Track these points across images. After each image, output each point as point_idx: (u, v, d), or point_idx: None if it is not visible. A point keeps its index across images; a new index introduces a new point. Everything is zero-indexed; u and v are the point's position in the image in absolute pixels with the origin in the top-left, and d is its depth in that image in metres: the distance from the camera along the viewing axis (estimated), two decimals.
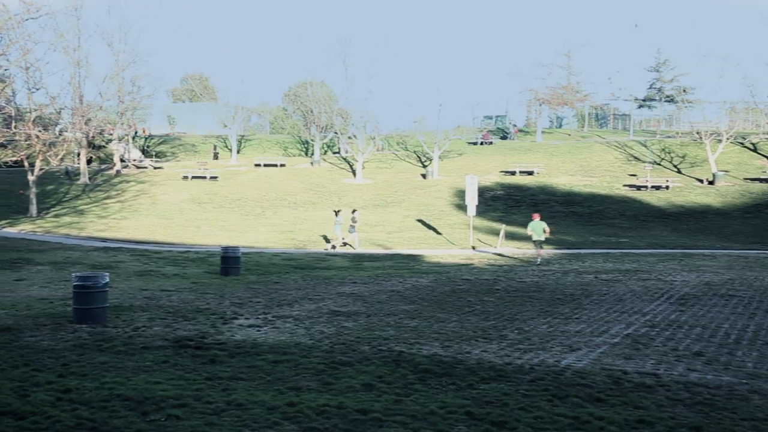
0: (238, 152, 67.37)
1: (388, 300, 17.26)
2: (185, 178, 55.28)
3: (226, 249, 23.80)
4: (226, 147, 69.92)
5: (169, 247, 31.86)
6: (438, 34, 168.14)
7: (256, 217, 44.61)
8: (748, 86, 67.59)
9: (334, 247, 32.86)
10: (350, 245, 33.30)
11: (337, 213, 34.38)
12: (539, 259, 27.57)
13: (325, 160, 62.72)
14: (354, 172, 56.69)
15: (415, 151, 62.47)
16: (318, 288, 19.66)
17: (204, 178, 55.21)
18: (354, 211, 34.96)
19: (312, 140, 64.94)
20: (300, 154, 70.34)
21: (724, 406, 8.60)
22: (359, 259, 28.76)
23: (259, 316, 14.79)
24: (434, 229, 39.83)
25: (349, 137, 61.48)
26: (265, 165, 60.43)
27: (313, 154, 63.69)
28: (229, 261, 23.36)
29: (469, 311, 15.56)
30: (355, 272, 24.04)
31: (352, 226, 33.48)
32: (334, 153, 67.51)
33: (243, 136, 74.57)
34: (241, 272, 23.33)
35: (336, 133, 63.55)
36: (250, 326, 13.68)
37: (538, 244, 28.01)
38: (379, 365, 10.48)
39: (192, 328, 13.39)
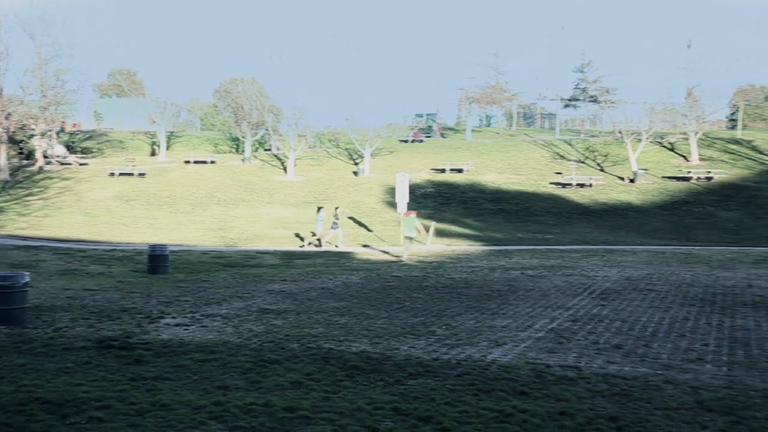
0: (167, 149, 66.28)
1: (318, 297, 17.29)
2: (112, 174, 54.10)
3: (153, 247, 23.44)
4: (155, 143, 68.75)
5: (95, 246, 31.18)
6: (371, 31, 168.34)
7: (185, 214, 43.99)
8: (666, 87, 69.72)
9: (318, 244, 32.88)
10: (331, 243, 33.37)
11: (319, 210, 34.23)
12: (405, 256, 27.45)
13: (256, 157, 62.22)
14: (285, 170, 56.42)
15: (347, 149, 62.52)
16: (247, 286, 19.55)
17: (131, 174, 54.12)
18: (336, 208, 35.03)
19: (243, 137, 64.32)
20: (231, 151, 69.50)
21: (640, 396, 8.93)
22: (290, 256, 28.69)
23: (187, 315, 14.64)
24: (365, 227, 39.96)
25: (281, 134, 61.15)
26: (195, 162, 59.58)
27: (243, 151, 63.09)
28: (156, 259, 23.01)
29: (398, 308, 15.71)
30: (285, 270, 23.98)
31: (335, 223, 33.52)
32: (266, 150, 66.97)
33: (172, 132, 73.31)
34: (169, 271, 23.01)
35: (267, 130, 63.10)
36: (177, 325, 13.54)
37: (409, 240, 27.97)
38: (308, 363, 10.52)
39: (116, 327, 13.18)
